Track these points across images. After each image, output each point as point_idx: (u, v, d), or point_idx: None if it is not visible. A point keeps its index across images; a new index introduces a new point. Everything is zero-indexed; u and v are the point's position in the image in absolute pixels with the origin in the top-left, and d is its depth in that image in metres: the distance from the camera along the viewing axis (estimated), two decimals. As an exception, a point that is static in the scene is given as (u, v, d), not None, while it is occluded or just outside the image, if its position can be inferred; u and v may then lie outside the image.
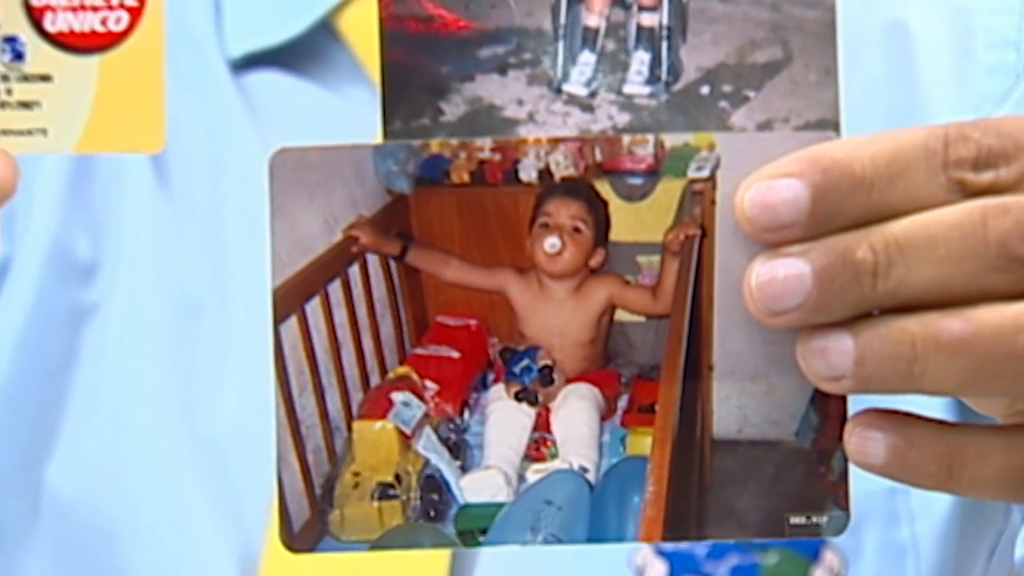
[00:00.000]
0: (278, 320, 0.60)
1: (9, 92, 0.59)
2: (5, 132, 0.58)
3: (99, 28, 0.59)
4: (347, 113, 0.87)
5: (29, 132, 0.59)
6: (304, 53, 0.90)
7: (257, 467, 0.81)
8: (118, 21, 0.59)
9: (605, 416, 0.63)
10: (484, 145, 0.61)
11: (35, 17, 0.58)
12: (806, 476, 0.61)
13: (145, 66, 0.59)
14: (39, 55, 0.59)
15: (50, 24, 0.59)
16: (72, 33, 0.59)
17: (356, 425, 0.62)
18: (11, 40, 0.59)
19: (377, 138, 0.61)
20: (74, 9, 0.59)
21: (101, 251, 0.87)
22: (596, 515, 0.61)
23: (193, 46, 0.89)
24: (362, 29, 0.88)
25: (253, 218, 0.85)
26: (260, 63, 0.90)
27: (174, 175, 0.87)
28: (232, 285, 0.86)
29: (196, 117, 0.87)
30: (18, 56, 0.59)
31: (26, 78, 0.59)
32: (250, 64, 0.90)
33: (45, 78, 0.59)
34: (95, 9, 0.59)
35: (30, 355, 0.86)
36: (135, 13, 0.59)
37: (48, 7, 0.58)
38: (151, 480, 0.85)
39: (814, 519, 0.60)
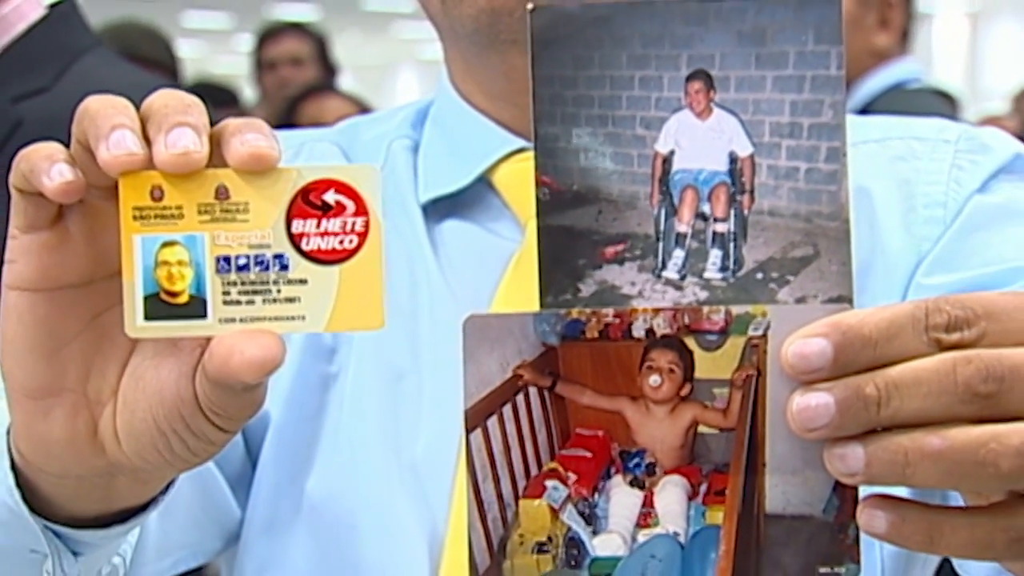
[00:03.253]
0: (469, 430, 0.62)
1: (279, 291, 0.61)
2: (276, 319, 0.61)
3: (338, 247, 0.61)
4: (496, 243, 0.91)
5: (292, 318, 0.61)
6: (468, 200, 0.93)
7: (440, 480, 0.86)
8: (351, 242, 0.61)
9: (691, 497, 0.63)
10: (608, 313, 0.61)
11: (295, 240, 0.61)
12: (830, 540, 0.61)
13: (370, 271, 0.61)
14: (298, 266, 0.61)
15: (305, 245, 0.61)
16: (320, 251, 0.61)
17: (522, 503, 0.63)
18: (279, 256, 0.61)
19: (535, 307, 0.62)
20: (321, 235, 0.61)
21: (338, 340, 0.91)
22: (686, 566, 0.62)
23: (399, 196, 0.93)
24: (509, 182, 0.92)
25: (436, 315, 0.89)
26: (437, 207, 0.93)
27: None
28: (423, 360, 0.89)
29: (398, 246, 0.91)
30: (284, 267, 0.61)
31: (289, 282, 0.61)
32: (431, 208, 0.93)
33: (302, 281, 0.61)
34: (335, 234, 0.61)
35: (295, 407, 0.91)
36: (362, 236, 0.61)
37: (304, 234, 0.61)
38: (372, 489, 0.88)
39: (836, 570, 0.61)
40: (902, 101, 2.28)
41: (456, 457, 0.86)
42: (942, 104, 2.53)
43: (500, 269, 0.89)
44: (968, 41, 15.03)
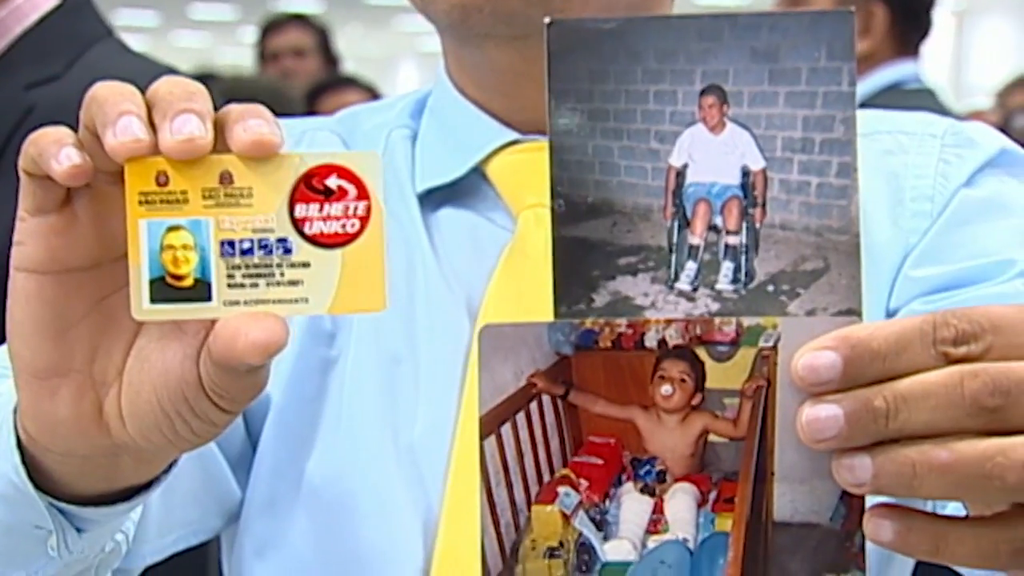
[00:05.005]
0: (483, 437, 0.62)
1: (282, 274, 0.61)
2: (279, 301, 0.61)
3: (340, 231, 0.61)
4: (490, 232, 0.91)
5: (295, 301, 0.61)
6: (463, 190, 0.93)
7: (436, 463, 0.85)
8: (353, 226, 0.61)
9: (700, 505, 0.63)
10: (621, 323, 0.61)
11: (298, 225, 0.61)
12: (837, 548, 0.61)
13: (372, 255, 0.61)
14: (301, 250, 0.61)
15: (308, 229, 0.61)
16: (323, 235, 0.61)
17: (534, 508, 0.63)
18: (283, 240, 0.61)
19: (549, 317, 0.62)
20: (323, 219, 0.61)
21: (337, 324, 0.91)
22: (694, 572, 0.62)
23: (398, 185, 0.93)
24: (501, 173, 0.92)
25: (432, 302, 0.89)
26: (434, 196, 0.93)
27: None
28: (419, 346, 0.89)
29: (396, 234, 0.91)
30: (287, 251, 0.61)
31: (293, 265, 0.61)
32: (428, 197, 0.93)
33: (305, 265, 0.61)
34: (337, 219, 0.61)
35: (296, 390, 0.90)
36: (364, 221, 0.61)
37: (307, 218, 0.60)
38: (371, 471, 0.88)
39: None
40: (897, 102, 2.28)
41: (451, 440, 0.86)
42: (937, 105, 2.53)
43: (494, 257, 0.89)
44: (954, 38, 15.04)
